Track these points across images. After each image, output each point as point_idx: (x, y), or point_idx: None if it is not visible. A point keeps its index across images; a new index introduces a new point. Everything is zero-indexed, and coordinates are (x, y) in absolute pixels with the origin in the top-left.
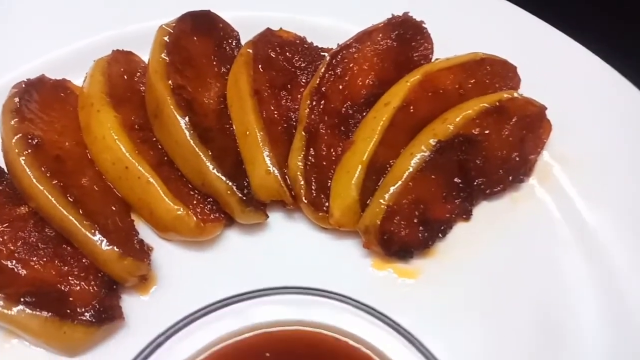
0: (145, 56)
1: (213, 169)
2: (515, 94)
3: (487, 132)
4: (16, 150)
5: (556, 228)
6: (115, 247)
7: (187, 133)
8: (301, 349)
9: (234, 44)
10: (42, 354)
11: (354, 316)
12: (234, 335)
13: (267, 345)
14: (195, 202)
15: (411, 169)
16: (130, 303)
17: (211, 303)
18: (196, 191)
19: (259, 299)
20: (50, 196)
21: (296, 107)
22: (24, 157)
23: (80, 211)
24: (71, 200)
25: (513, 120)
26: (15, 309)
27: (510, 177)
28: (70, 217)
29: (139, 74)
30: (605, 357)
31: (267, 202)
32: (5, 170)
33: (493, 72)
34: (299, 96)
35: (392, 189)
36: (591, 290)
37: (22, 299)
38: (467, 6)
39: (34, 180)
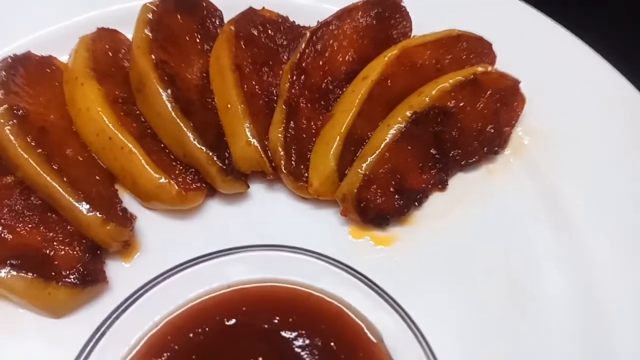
0: (130, 35)
1: (194, 140)
2: (490, 68)
3: (462, 104)
4: (2, 120)
5: (529, 198)
6: (98, 213)
7: (169, 105)
8: (275, 303)
9: (217, 22)
10: (29, 317)
11: (328, 273)
12: (211, 292)
13: (243, 301)
14: (177, 172)
15: (388, 140)
16: (114, 268)
17: (188, 260)
18: (178, 162)
19: (234, 256)
20: (35, 164)
21: (277, 82)
22: (9, 127)
23: (65, 179)
24: (55, 168)
25: (487, 93)
26: (1, 271)
27: (485, 149)
28: (55, 184)
29: (123, 51)
30: (567, 319)
31: (248, 173)
32: None
33: (469, 48)
34: (280, 73)
35: (369, 158)
36: (558, 257)
37: (8, 262)
38: None
39: (19, 149)
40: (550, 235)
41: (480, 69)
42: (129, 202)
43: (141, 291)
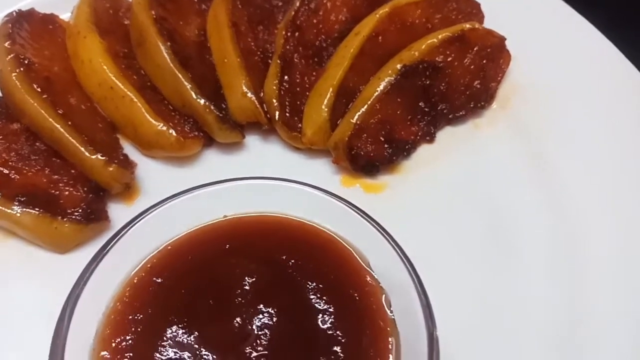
0: None
1: (192, 90)
2: (477, 25)
3: (450, 59)
4: (9, 68)
5: (513, 150)
6: (100, 155)
7: (169, 57)
8: (270, 231)
9: None
10: (36, 253)
11: (321, 202)
12: (207, 221)
13: (239, 229)
14: (176, 121)
15: (378, 92)
16: (116, 210)
17: (184, 190)
18: (177, 112)
19: (230, 184)
20: (40, 108)
21: (272, 41)
22: (15, 74)
23: (69, 123)
24: (60, 113)
25: (474, 49)
26: (10, 206)
27: (472, 104)
28: (60, 128)
29: (123, 10)
30: (545, 256)
31: (243, 124)
32: None
33: (458, 8)
34: (275, 32)
35: (360, 109)
36: (542, 204)
37: (16, 198)
38: None
39: (26, 95)
40: (532, 182)
41: (467, 25)
42: (130, 152)
43: (140, 217)
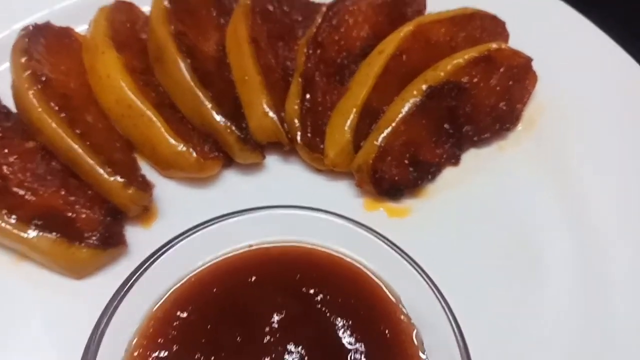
0: (145, 9)
1: (212, 109)
2: (503, 45)
3: (475, 80)
4: (26, 85)
5: (539, 175)
6: (119, 177)
7: (188, 74)
8: (297, 262)
9: None
10: (50, 277)
11: (348, 232)
12: (233, 251)
13: (265, 259)
14: (195, 141)
15: (403, 113)
16: (133, 233)
17: (210, 219)
18: (196, 131)
19: (255, 214)
20: (57, 128)
21: (293, 57)
22: (32, 92)
23: (87, 143)
24: (77, 132)
25: (500, 70)
26: (26, 230)
27: (497, 125)
28: (77, 148)
29: (140, 23)
30: (571, 282)
31: (264, 144)
32: (14, 109)
33: (483, 26)
34: (295, 48)
35: (385, 131)
36: (565, 226)
37: (33, 222)
38: None
39: (43, 113)
40: (559, 209)
41: (494, 45)
42: (147, 171)
43: (164, 248)
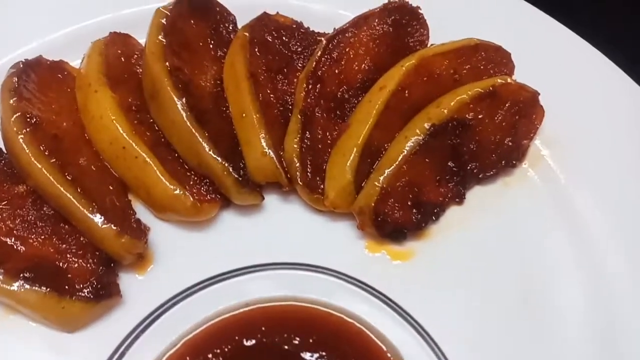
0: (142, 39)
1: (209, 150)
2: (509, 80)
3: (480, 116)
4: (15, 129)
5: (546, 212)
6: (112, 225)
7: (184, 114)
8: (295, 323)
9: (230, 27)
10: (41, 330)
11: (348, 292)
12: (230, 310)
13: (262, 320)
14: (191, 182)
15: (405, 152)
16: (127, 281)
17: (206, 278)
18: (193, 172)
19: (253, 274)
20: (48, 174)
21: (292, 90)
22: (22, 135)
23: (78, 189)
24: (69, 178)
25: (506, 105)
26: (14, 284)
27: (503, 162)
28: (68, 195)
29: (135, 56)
30: (583, 332)
31: (262, 184)
32: (4, 149)
33: (487, 58)
34: (295, 80)
35: (386, 171)
36: (575, 270)
37: (21, 275)
38: None
39: (32, 158)
40: (567, 248)
41: (499, 80)
42: (142, 213)
43: (158, 311)
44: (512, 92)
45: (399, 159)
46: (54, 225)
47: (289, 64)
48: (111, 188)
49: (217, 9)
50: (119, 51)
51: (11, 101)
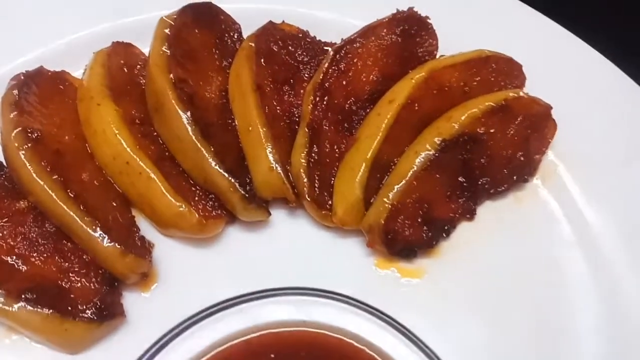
0: (144, 48)
1: (215, 166)
2: (521, 93)
3: (492, 131)
4: (16, 144)
5: (559, 228)
6: (116, 244)
7: (189, 128)
8: (306, 350)
9: (235, 37)
10: (43, 351)
11: (358, 317)
12: (239, 336)
13: (272, 346)
14: (196, 198)
15: (415, 168)
16: (131, 300)
17: (215, 303)
18: (198, 187)
19: (263, 300)
20: (50, 191)
21: (299, 102)
22: (23, 151)
23: (81, 207)
24: (71, 195)
25: (518, 119)
26: (16, 305)
27: (515, 177)
28: (71, 213)
29: (139, 66)
30: (599, 356)
31: (269, 200)
32: (4, 163)
33: (498, 69)
34: (301, 91)
35: (396, 187)
36: (591, 291)
37: (22, 295)
38: (473, 2)
39: (34, 175)
40: (582, 265)
41: (511, 94)
42: (146, 228)
43: (167, 337)
44: (525, 105)
45: (409, 175)
46: (56, 242)
47: (295, 74)
48: (114, 204)
49: (222, 17)
50: (122, 61)
51: (12, 115)
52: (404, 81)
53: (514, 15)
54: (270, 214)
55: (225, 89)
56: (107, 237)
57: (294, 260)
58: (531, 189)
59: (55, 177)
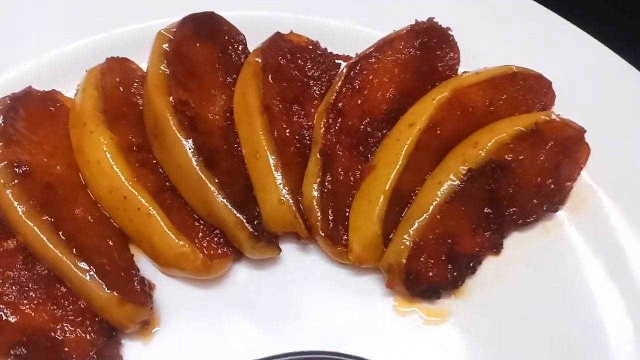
0: (141, 62)
1: (221, 199)
2: (553, 116)
3: (521, 157)
4: (1, 181)
5: (591, 260)
6: (114, 292)
7: (192, 158)
8: None
9: (240, 49)
10: None
11: None
12: None
13: None
14: (200, 234)
15: (438, 200)
16: (130, 349)
17: None
18: (201, 221)
19: None
20: (40, 234)
21: (309, 123)
22: (10, 189)
23: (74, 250)
24: (64, 238)
25: (549, 144)
26: None
27: (545, 206)
28: (64, 258)
29: (135, 84)
30: None
31: (279, 234)
32: None
33: (526, 87)
34: (312, 110)
35: (417, 222)
36: (629, 330)
37: (12, 352)
38: (498, 11)
39: (22, 216)
40: (618, 303)
41: (542, 116)
42: (145, 265)
43: None
44: (556, 129)
45: (432, 208)
46: (48, 287)
47: (305, 91)
48: (111, 243)
49: (225, 28)
50: (117, 79)
51: None
52: (425, 102)
53: (541, 26)
54: (280, 250)
55: (230, 108)
56: (103, 284)
57: (306, 302)
58: (560, 219)
59: (46, 217)
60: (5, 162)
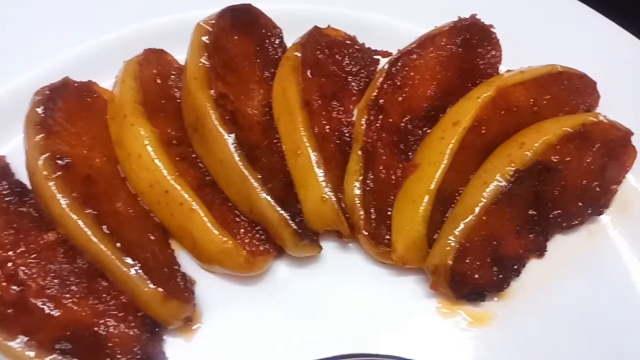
0: (177, 54)
1: (264, 196)
2: (601, 117)
3: (567, 159)
4: (44, 172)
5: (635, 264)
6: (158, 288)
7: (234, 153)
8: None
9: (276, 42)
10: None
11: None
12: None
13: None
14: (242, 231)
15: (485, 201)
16: (173, 346)
17: None
18: (243, 217)
19: None
20: (85, 227)
21: (348, 120)
22: (53, 182)
23: (118, 244)
24: (107, 232)
25: (596, 146)
26: (48, 359)
27: (590, 209)
28: (108, 252)
29: (172, 76)
30: None
31: (320, 232)
32: (29, 186)
33: (570, 87)
34: (350, 106)
35: (463, 223)
36: None
37: (56, 347)
38: (541, 10)
39: (66, 209)
40: None
41: (590, 117)
42: (185, 260)
43: None
44: (603, 131)
45: (478, 209)
46: (89, 281)
47: (343, 87)
48: (153, 238)
49: (262, 21)
50: (154, 71)
51: (38, 138)
52: (469, 101)
53: (584, 24)
54: (321, 248)
55: (268, 103)
56: (148, 280)
57: (347, 301)
58: (605, 222)
59: (89, 210)
60: (48, 154)
